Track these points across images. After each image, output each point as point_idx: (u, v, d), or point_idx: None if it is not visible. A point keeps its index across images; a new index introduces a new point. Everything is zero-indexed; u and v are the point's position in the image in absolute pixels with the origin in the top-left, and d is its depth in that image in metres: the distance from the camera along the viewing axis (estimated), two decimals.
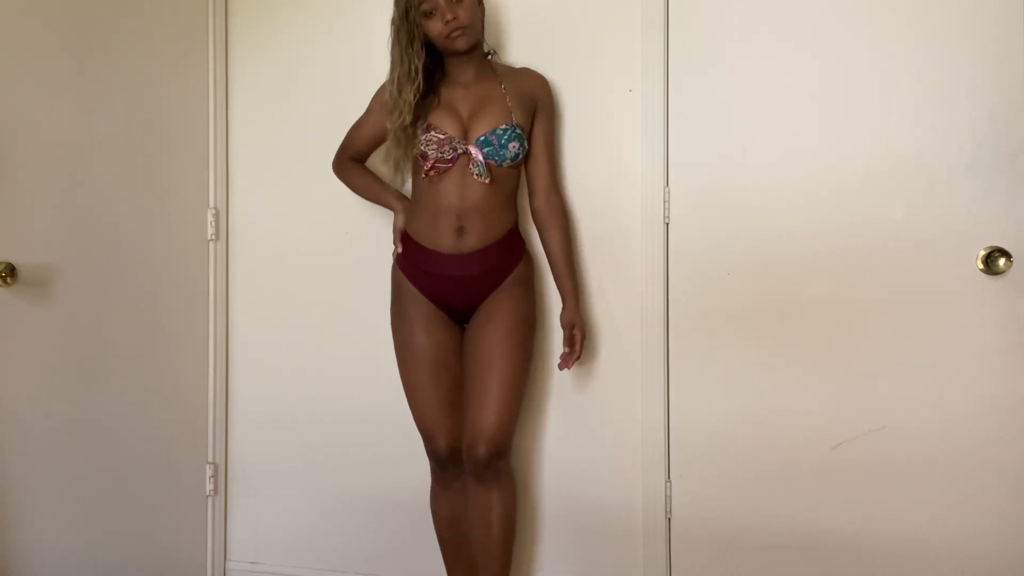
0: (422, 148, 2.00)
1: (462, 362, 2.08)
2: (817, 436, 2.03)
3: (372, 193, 2.19)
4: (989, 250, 1.90)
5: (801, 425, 2.04)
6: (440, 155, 1.99)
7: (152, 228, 2.28)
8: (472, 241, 2.02)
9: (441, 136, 1.99)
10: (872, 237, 1.99)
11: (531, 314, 2.11)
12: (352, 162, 2.23)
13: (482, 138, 2.00)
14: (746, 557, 2.10)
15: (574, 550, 2.25)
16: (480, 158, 1.98)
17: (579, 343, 2.05)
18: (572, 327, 2.06)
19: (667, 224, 2.14)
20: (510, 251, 2.08)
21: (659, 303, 2.14)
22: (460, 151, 1.99)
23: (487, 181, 1.99)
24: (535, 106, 2.11)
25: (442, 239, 2.02)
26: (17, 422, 1.92)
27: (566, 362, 2.05)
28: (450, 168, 2.00)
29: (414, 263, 2.08)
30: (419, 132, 2.01)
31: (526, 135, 2.07)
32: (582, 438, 2.23)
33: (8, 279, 1.86)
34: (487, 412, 1.98)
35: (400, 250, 2.09)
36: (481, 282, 2.04)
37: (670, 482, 2.16)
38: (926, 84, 1.96)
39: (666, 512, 2.16)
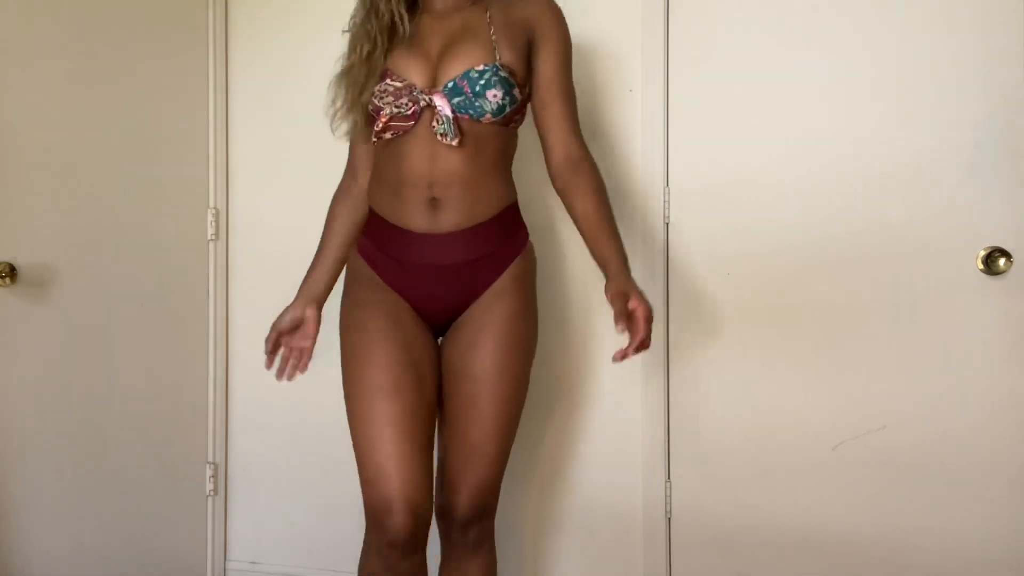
0: (375, 101, 1.54)
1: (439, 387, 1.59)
2: (817, 436, 2.03)
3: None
4: (989, 250, 1.90)
5: (801, 425, 2.04)
6: (396, 110, 1.52)
7: (152, 228, 2.28)
8: (452, 217, 1.53)
9: (398, 84, 1.52)
10: (872, 237, 1.99)
11: (533, 329, 1.64)
12: (341, 201, 1.77)
13: (450, 84, 1.51)
14: (746, 557, 2.10)
15: (574, 550, 2.24)
16: (447, 112, 1.49)
17: (643, 322, 1.46)
18: (626, 298, 1.48)
19: (667, 224, 2.14)
20: (507, 237, 1.60)
21: (659, 303, 2.14)
22: (423, 103, 1.51)
23: (455, 143, 1.48)
24: (532, 37, 1.59)
25: (410, 213, 1.53)
26: (17, 422, 1.92)
27: (625, 352, 1.47)
28: (412, 127, 1.52)
29: (377, 243, 1.60)
30: (371, 81, 1.54)
31: (518, 79, 1.56)
32: (582, 438, 2.23)
33: (8, 279, 1.86)
34: (475, 462, 1.55)
35: (268, 365, 1.70)
36: (467, 277, 1.56)
37: (670, 482, 2.16)
38: (926, 84, 1.96)
39: (666, 512, 2.16)
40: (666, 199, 2.14)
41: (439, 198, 1.52)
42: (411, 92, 1.51)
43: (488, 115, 1.51)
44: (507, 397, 1.55)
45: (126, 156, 2.20)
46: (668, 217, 2.14)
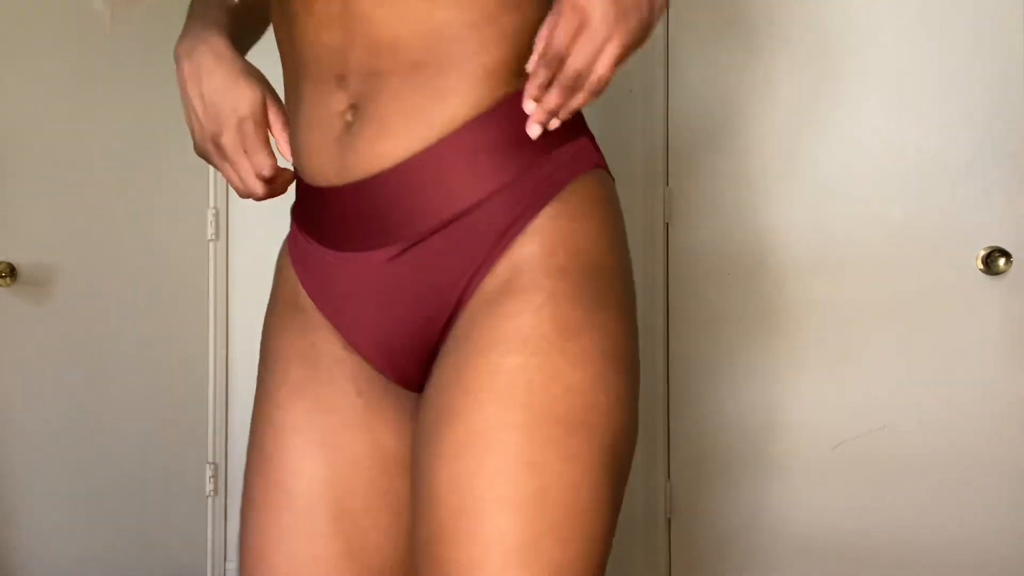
0: None
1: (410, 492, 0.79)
2: (817, 436, 2.03)
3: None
4: (989, 250, 1.90)
5: (801, 425, 2.04)
6: None
7: (152, 228, 2.28)
8: (385, 139, 0.76)
9: None
10: (872, 237, 1.99)
11: (628, 375, 0.83)
12: None
13: None
14: (746, 557, 2.10)
15: None
16: None
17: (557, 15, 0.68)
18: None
19: (667, 224, 2.14)
20: (540, 149, 0.79)
21: (659, 303, 2.14)
22: None
23: None
24: None
25: (311, 144, 0.83)
26: (17, 422, 1.92)
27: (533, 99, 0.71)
28: None
29: (298, 219, 0.94)
30: None
31: None
32: None
33: (8, 279, 1.86)
34: None
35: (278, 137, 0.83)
36: (432, 264, 0.78)
37: (670, 482, 2.16)
38: (926, 84, 1.96)
39: (666, 512, 2.16)
40: (666, 199, 2.14)
41: (359, 105, 0.75)
42: None
43: None
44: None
45: (126, 156, 2.20)
46: (668, 217, 2.14)
